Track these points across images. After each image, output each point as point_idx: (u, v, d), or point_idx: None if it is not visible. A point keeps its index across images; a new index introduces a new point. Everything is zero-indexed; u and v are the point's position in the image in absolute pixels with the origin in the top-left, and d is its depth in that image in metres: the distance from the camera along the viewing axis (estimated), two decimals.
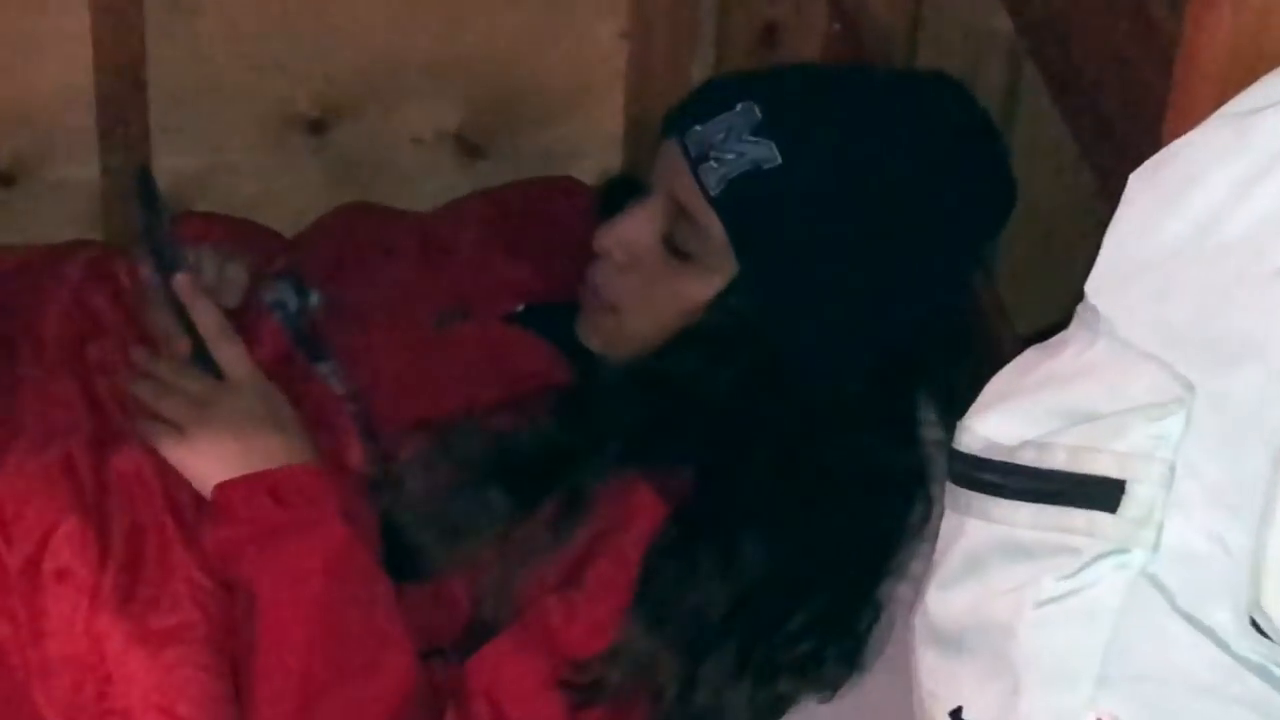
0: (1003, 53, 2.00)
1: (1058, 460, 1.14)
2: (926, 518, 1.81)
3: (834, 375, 1.85)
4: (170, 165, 2.21)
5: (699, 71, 2.29)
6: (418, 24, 2.26)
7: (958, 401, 1.26)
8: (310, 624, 1.72)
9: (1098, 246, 1.18)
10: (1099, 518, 1.12)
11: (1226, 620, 1.09)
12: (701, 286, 1.86)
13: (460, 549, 1.80)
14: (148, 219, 1.97)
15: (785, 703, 1.78)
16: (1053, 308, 1.24)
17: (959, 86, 1.96)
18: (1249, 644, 1.09)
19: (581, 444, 1.83)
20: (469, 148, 2.33)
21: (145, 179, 2.07)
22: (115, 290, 1.98)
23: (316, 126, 2.30)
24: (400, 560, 1.79)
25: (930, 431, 1.88)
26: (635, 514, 1.78)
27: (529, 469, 1.82)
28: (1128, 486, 1.12)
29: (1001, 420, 1.18)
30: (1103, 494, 1.12)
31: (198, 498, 1.78)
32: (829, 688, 1.78)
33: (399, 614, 1.75)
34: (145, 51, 2.20)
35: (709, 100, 1.91)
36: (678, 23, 2.31)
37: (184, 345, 1.87)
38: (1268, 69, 1.15)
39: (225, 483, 1.77)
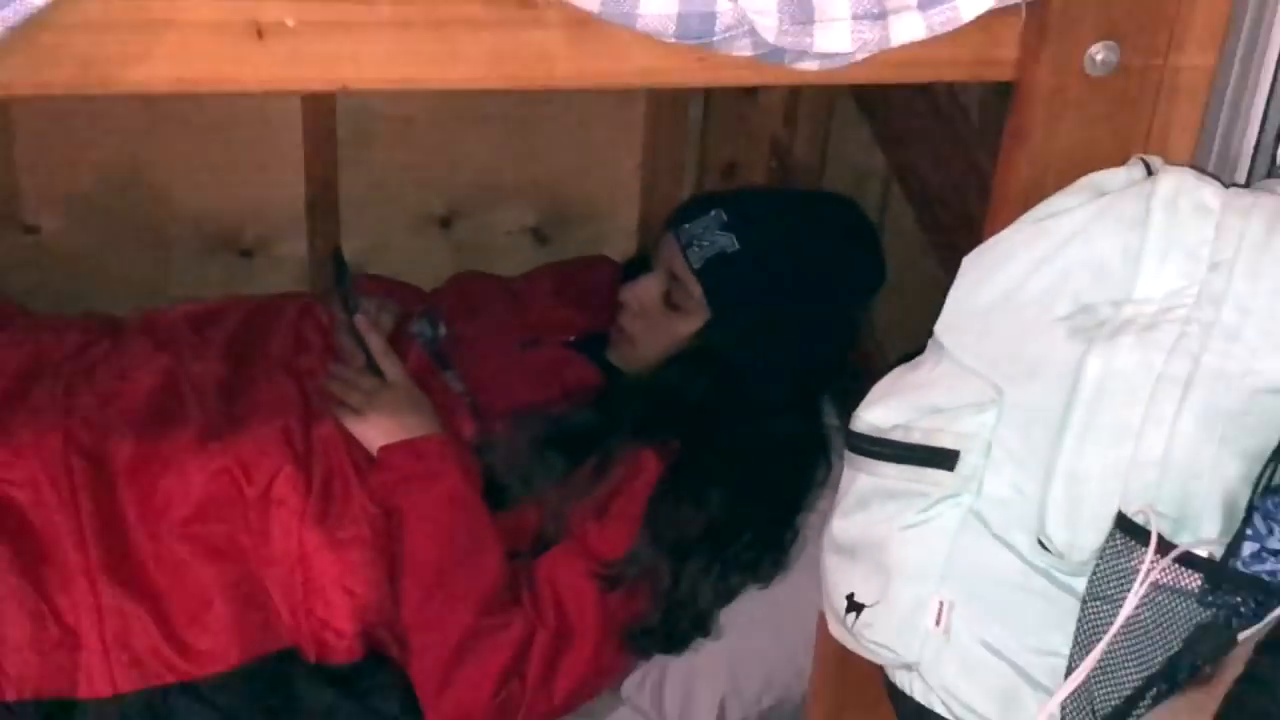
0: (879, 180, 2.00)
1: (915, 437, 1.15)
2: (828, 474, 1.81)
3: (770, 384, 1.84)
4: (352, 245, 2.19)
5: (685, 191, 2.28)
6: (509, 157, 2.25)
7: (848, 401, 1.25)
8: (438, 535, 1.72)
9: (941, 304, 1.17)
10: (942, 475, 1.13)
11: (1023, 540, 1.10)
12: (686, 327, 1.86)
13: (532, 490, 1.79)
14: (338, 279, 1.97)
15: (737, 589, 1.78)
16: (910, 342, 1.23)
17: (851, 201, 1.97)
18: (1037, 556, 1.09)
19: (609, 425, 1.82)
20: (541, 237, 2.31)
21: (337, 254, 2.07)
22: (317, 324, 1.96)
23: (444, 221, 2.28)
24: (494, 496, 1.78)
25: (830, 420, 1.88)
26: (643, 470, 1.77)
27: (575, 440, 1.81)
28: (960, 455, 1.13)
29: (880, 411, 1.18)
30: (945, 459, 1.13)
31: (368, 455, 1.77)
32: (764, 580, 1.78)
33: (493, 530, 1.75)
34: (337, 167, 2.19)
35: (692, 208, 1.91)
36: (672, 161, 2.30)
37: (360, 359, 1.88)
38: (1049, 194, 1.15)
39: (385, 446, 1.77)
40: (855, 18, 1.06)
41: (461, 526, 1.73)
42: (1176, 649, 1.01)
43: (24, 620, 1.62)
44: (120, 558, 1.67)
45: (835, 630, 1.21)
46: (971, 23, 1.08)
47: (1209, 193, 1.08)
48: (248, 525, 1.71)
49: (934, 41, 1.08)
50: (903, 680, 1.16)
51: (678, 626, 1.76)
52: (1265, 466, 1.03)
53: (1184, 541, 1.02)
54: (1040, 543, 1.08)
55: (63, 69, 1.03)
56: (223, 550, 1.69)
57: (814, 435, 1.85)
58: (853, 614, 1.17)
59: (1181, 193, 1.08)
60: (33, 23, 0.98)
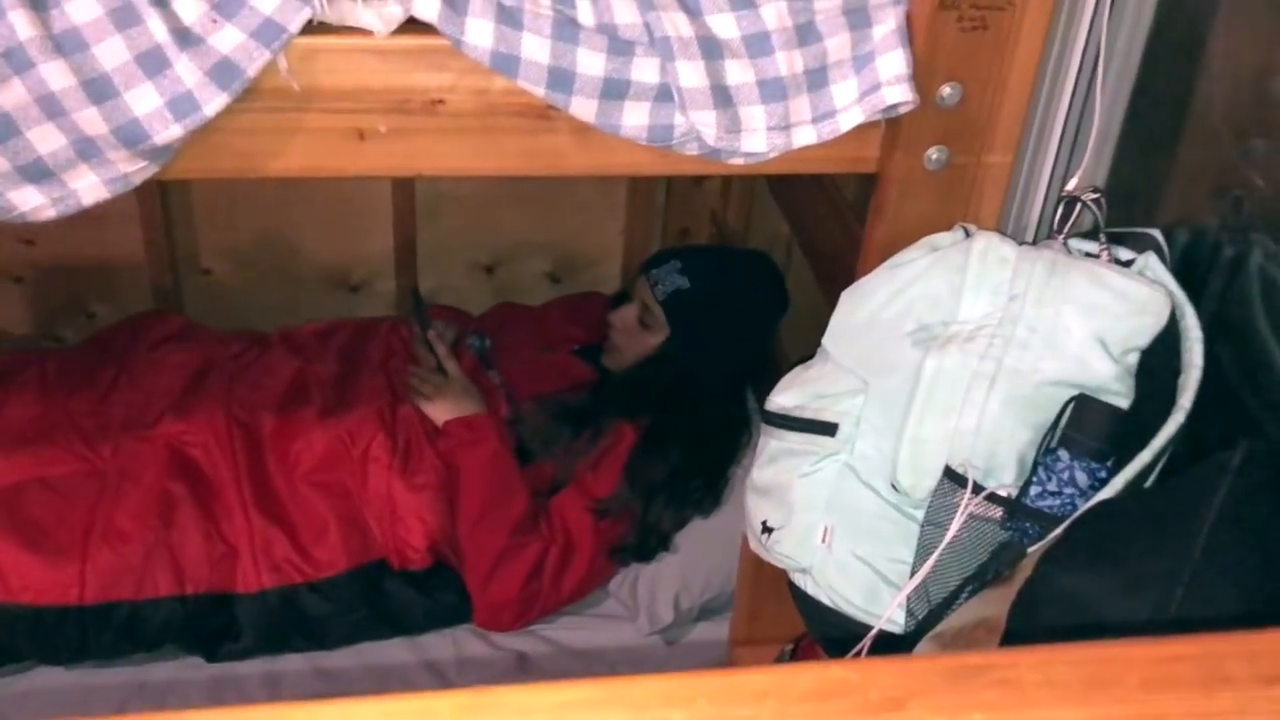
0: (784, 242, 2.01)
1: (809, 414, 1.15)
2: (750, 440, 1.81)
3: (711, 379, 1.84)
4: (426, 283, 2.20)
5: (654, 247, 2.27)
6: (534, 223, 2.24)
7: (763, 390, 1.24)
8: (485, 481, 1.71)
9: (827, 323, 1.17)
10: (826, 440, 1.13)
11: (881, 484, 1.10)
12: (654, 340, 1.85)
13: (548, 452, 1.78)
14: (416, 307, 1.98)
15: (688, 519, 1.78)
16: (806, 350, 1.23)
17: (766, 255, 1.96)
18: (891, 495, 1.09)
19: (601, 407, 1.81)
20: (555, 279, 2.31)
21: (415, 290, 2.08)
22: (402, 337, 1.96)
23: (489, 268, 2.28)
24: (522, 456, 1.77)
25: (751, 404, 1.88)
26: (623, 438, 1.76)
27: (578, 417, 1.80)
28: (839, 426, 1.12)
29: (786, 396, 1.18)
30: (829, 429, 1.12)
31: (435, 427, 1.77)
32: (706, 512, 1.78)
33: (521, 478, 1.74)
34: (416, 229, 2.18)
35: (658, 259, 1.90)
36: (647, 227, 2.30)
37: (431, 362, 1.88)
38: (900, 250, 1.14)
39: (448, 420, 1.76)
40: (769, 128, 1.07)
41: (499, 476, 1.72)
42: (985, 559, 1.02)
43: (199, 539, 1.62)
44: (265, 496, 1.67)
45: (754, 546, 1.21)
46: (847, 132, 1.08)
47: (1008, 249, 1.08)
48: (353, 474, 1.71)
49: (822, 145, 1.09)
50: (800, 580, 1.16)
51: (647, 544, 1.75)
52: (1045, 435, 1.03)
53: (990, 485, 1.03)
54: (893, 486, 1.08)
55: (225, 159, 1.03)
56: (335, 491, 1.69)
57: (741, 414, 1.86)
58: (766, 535, 1.17)
59: (989, 248, 1.08)
60: (205, 127, 0.98)
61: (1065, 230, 1.13)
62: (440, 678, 1.66)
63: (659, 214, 2.30)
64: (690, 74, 1.02)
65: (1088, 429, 1.01)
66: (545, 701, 0.55)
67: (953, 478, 1.03)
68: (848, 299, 1.15)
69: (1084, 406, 1.01)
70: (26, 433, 1.70)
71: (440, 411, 1.78)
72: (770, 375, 1.27)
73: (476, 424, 1.76)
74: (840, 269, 1.30)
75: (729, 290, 1.84)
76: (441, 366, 1.86)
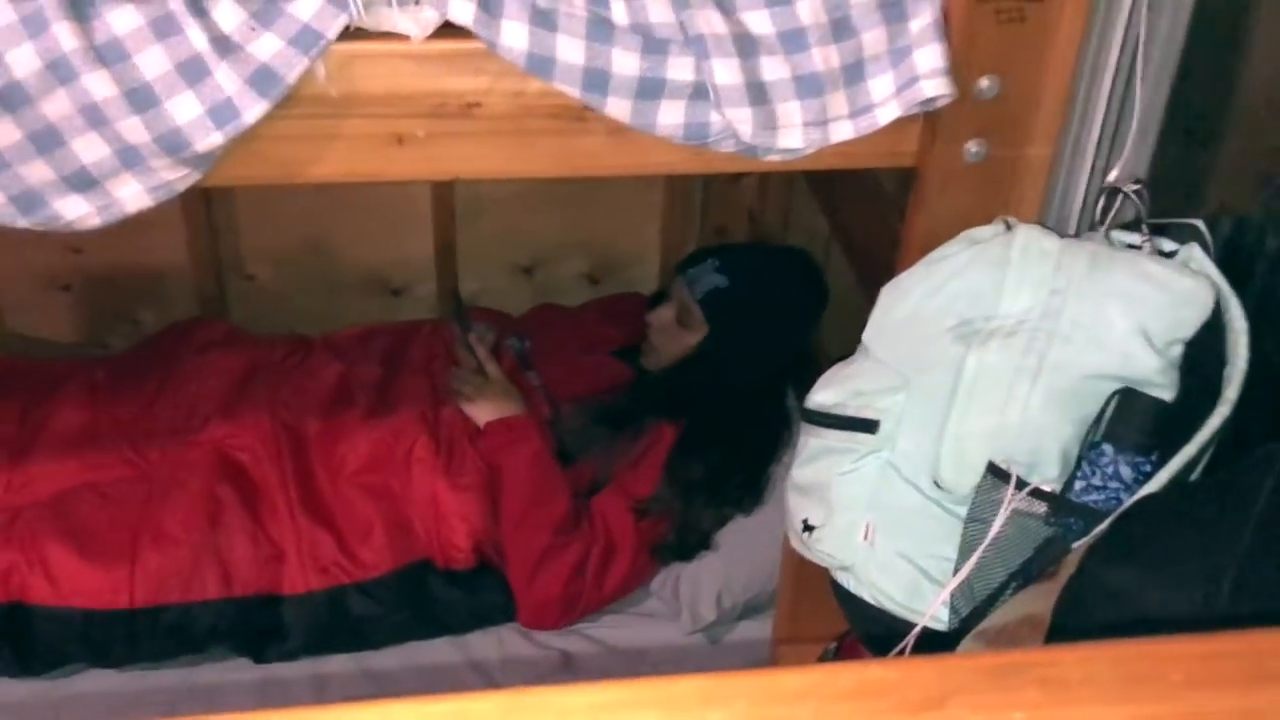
0: (823, 238, 1.99)
1: (849, 411, 1.14)
2: (790, 438, 1.79)
3: (750, 377, 1.83)
4: (466, 286, 2.20)
5: (691, 246, 2.26)
6: (572, 224, 2.24)
7: (804, 388, 1.24)
8: (526, 481, 1.71)
9: (867, 320, 1.16)
10: (867, 437, 1.12)
11: (924, 481, 1.09)
12: (692, 339, 1.84)
13: (588, 452, 1.78)
14: (458, 310, 1.99)
15: (728, 517, 1.77)
16: (846, 347, 1.22)
17: (805, 252, 1.95)
18: (934, 492, 1.08)
19: (640, 407, 1.81)
20: (593, 280, 2.31)
21: (456, 293, 2.09)
22: (443, 340, 1.97)
23: (528, 270, 2.28)
24: (563, 456, 1.77)
25: (791, 401, 1.86)
26: (662, 438, 1.76)
27: (617, 418, 1.80)
28: (880, 423, 1.11)
29: (826, 393, 1.17)
30: (870, 426, 1.12)
31: (477, 428, 1.77)
32: (747, 511, 1.77)
33: (562, 479, 1.74)
34: (456, 232, 2.18)
35: (696, 258, 1.90)
36: (685, 226, 2.29)
37: (472, 364, 1.88)
38: (940, 244, 1.13)
39: (489, 421, 1.77)
40: (805, 124, 1.06)
41: (541, 477, 1.72)
42: (1029, 555, 1.01)
43: (246, 541, 1.63)
44: (311, 498, 1.68)
45: (795, 544, 1.20)
46: (885, 126, 1.07)
47: (1050, 242, 1.07)
48: (397, 476, 1.71)
49: (860, 139, 1.08)
50: (842, 578, 1.16)
51: (688, 543, 1.75)
52: (1089, 430, 1.02)
53: (1034, 481, 1.02)
54: (935, 482, 1.07)
55: (267, 166, 1.04)
56: (380, 493, 1.70)
57: (780, 412, 1.84)
58: (807, 533, 1.17)
59: (1031, 242, 1.08)
60: (246, 134, 0.98)
61: (1107, 222, 1.12)
62: (486, 677, 1.66)
63: (696, 213, 2.29)
64: (725, 71, 1.01)
65: (1132, 423, 1.00)
66: (583, 702, 0.55)
67: (996, 474, 1.02)
68: (888, 295, 1.14)
69: (1128, 400, 1.00)
70: (76, 439, 1.72)
71: (482, 413, 1.78)
72: (810, 372, 1.26)
73: (517, 425, 1.76)
74: (880, 264, 1.29)
75: (767, 287, 1.84)
76: (482, 368, 1.86)
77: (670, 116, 1.04)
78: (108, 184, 0.98)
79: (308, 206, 2.12)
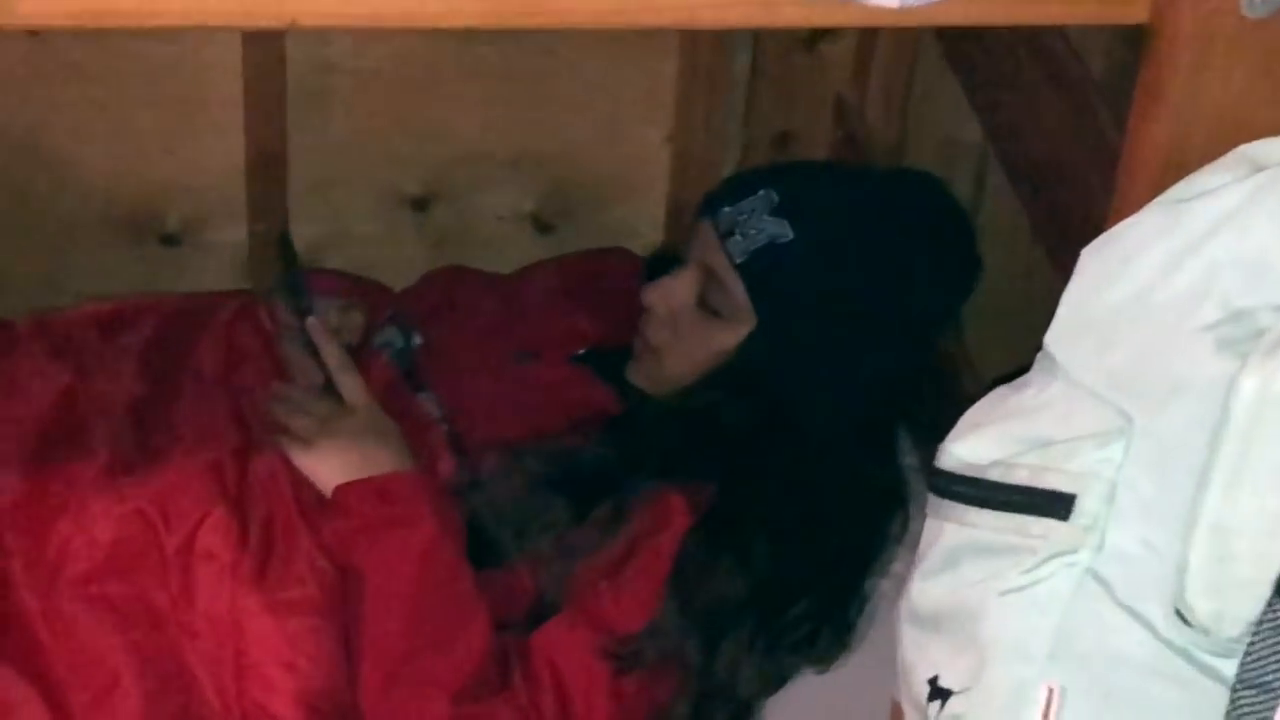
0: (973, 156, 2.00)
1: (1020, 477, 1.14)
2: (905, 527, 1.79)
3: (830, 411, 1.83)
4: (303, 232, 2.21)
5: (727, 168, 2.28)
6: (503, 125, 2.26)
7: (930, 433, 1.24)
8: (408, 599, 1.71)
9: (1052, 308, 1.16)
10: (1053, 525, 1.12)
11: (1156, 611, 1.08)
12: (727, 337, 1.85)
13: (528, 544, 1.78)
14: (287, 273, 1.98)
15: (788, 674, 1.77)
16: (1012, 357, 1.22)
17: (937, 181, 1.96)
18: (1174, 631, 1.08)
19: (626, 461, 1.81)
20: (542, 225, 2.32)
21: (286, 242, 2.08)
22: (258, 329, 1.97)
23: (420, 204, 2.29)
24: (480, 551, 1.77)
25: (907, 458, 1.87)
26: (669, 519, 1.76)
27: (585, 482, 1.80)
28: (1077, 500, 1.11)
29: (975, 443, 1.17)
30: (1057, 505, 1.11)
31: (319, 496, 1.77)
32: (823, 663, 1.77)
33: (478, 594, 1.73)
34: (286, 140, 2.20)
35: (736, 187, 1.90)
36: (710, 130, 2.30)
37: (314, 375, 1.88)
38: (1193, 169, 1.13)
39: (342, 485, 1.76)
40: None
41: (436, 589, 1.72)
42: None
43: None
44: (2, 627, 1.67)
45: None
46: None
47: None
48: (165, 584, 1.71)
49: None
50: None
51: (712, 718, 1.74)
52: None
53: None
54: (1178, 613, 1.07)
55: None
56: (133, 616, 1.69)
57: (887, 476, 1.85)
58: (936, 702, 1.16)
59: None
60: None
61: None
62: None
63: (738, 108, 2.30)
64: None
65: None
66: None
67: None
68: (1094, 262, 1.14)
69: None
70: None
71: (328, 467, 1.78)
72: (941, 404, 1.25)
73: (394, 491, 1.76)
74: (1076, 208, 1.29)
75: (865, 246, 1.84)
76: (330, 384, 1.85)
77: None
78: None
79: (9, 84, 2.11)
